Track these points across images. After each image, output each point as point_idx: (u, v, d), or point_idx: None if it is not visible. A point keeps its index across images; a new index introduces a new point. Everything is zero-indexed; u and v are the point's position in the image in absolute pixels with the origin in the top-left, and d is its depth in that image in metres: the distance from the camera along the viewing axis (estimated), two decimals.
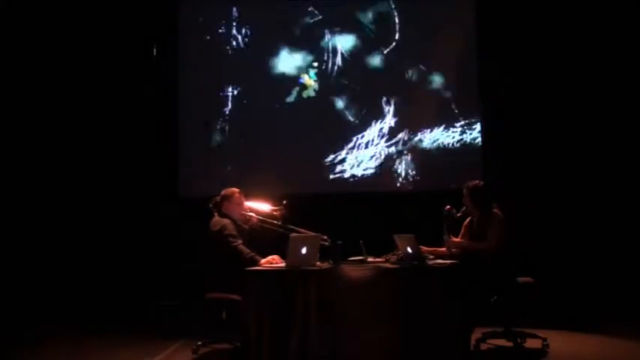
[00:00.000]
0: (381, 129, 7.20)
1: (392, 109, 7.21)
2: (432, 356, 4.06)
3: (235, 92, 7.38)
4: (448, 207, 4.84)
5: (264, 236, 5.10)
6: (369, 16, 7.28)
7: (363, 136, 7.22)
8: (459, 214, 4.90)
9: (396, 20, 7.23)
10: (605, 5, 6.74)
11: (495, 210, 4.86)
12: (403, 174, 7.15)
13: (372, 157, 7.20)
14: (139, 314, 6.67)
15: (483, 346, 4.87)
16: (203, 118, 7.39)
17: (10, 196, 7.04)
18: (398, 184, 7.15)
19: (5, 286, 6.70)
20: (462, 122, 7.09)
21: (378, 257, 4.57)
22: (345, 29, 7.31)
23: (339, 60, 7.32)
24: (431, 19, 7.22)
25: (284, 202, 5.12)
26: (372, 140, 7.21)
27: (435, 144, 7.11)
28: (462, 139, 7.07)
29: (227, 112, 7.38)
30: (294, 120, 7.31)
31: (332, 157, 7.25)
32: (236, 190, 5.13)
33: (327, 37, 7.33)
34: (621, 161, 6.70)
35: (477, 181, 5.01)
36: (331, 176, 7.23)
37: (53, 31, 7.21)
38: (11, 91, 7.14)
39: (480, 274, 4.68)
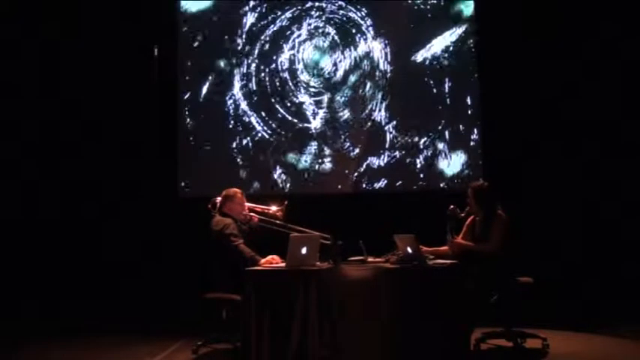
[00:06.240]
0: (381, 129, 7.21)
1: (391, 109, 7.21)
2: (432, 356, 4.06)
3: (236, 92, 7.38)
4: (452, 207, 4.83)
5: (264, 236, 5.10)
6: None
7: (362, 136, 7.23)
8: (462, 214, 4.90)
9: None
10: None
11: (499, 211, 4.86)
12: (404, 174, 7.16)
13: (372, 156, 7.21)
14: (140, 314, 6.66)
15: (483, 346, 4.87)
16: (203, 118, 7.39)
17: (11, 194, 7.03)
18: (398, 184, 7.14)
19: (6, 286, 6.70)
20: (462, 121, 7.09)
21: (378, 257, 4.57)
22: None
23: (339, 61, 7.33)
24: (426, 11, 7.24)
25: (284, 202, 5.14)
26: (373, 140, 7.22)
27: (435, 143, 7.12)
28: (462, 138, 7.07)
29: (228, 112, 7.37)
30: (295, 120, 7.31)
31: (333, 155, 7.27)
32: (238, 190, 5.15)
33: (330, 39, 7.33)
34: (621, 161, 6.69)
35: (482, 182, 5.01)
36: (331, 176, 7.23)
37: (54, 31, 7.21)
38: (10, 91, 7.13)
39: (480, 274, 4.68)
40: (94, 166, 7.25)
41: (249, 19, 7.41)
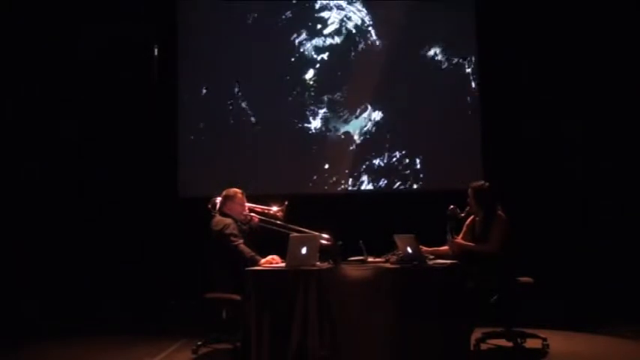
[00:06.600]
0: (381, 128, 7.21)
1: (391, 108, 7.22)
2: (432, 356, 4.06)
3: (236, 92, 7.37)
4: (452, 207, 4.83)
5: (265, 236, 5.11)
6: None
7: (362, 135, 7.23)
8: (462, 214, 4.90)
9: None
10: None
11: (499, 212, 4.86)
12: (403, 174, 7.16)
13: (372, 156, 7.21)
14: (139, 314, 6.67)
15: (483, 346, 4.87)
16: (203, 118, 7.39)
17: (11, 194, 7.03)
18: (398, 184, 7.14)
19: (7, 286, 6.69)
20: (462, 121, 7.09)
21: (378, 257, 4.57)
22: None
23: (339, 61, 7.33)
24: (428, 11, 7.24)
25: (285, 202, 5.15)
26: (373, 139, 7.22)
27: (435, 143, 7.11)
28: (462, 137, 7.06)
29: (228, 112, 7.37)
30: (295, 120, 7.31)
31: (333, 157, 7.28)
32: (238, 190, 5.15)
33: (330, 39, 7.34)
34: (621, 161, 6.70)
35: (482, 182, 5.01)
36: (331, 176, 7.23)
37: (54, 31, 7.21)
38: (10, 91, 7.13)
39: (480, 274, 4.69)
40: (94, 166, 7.25)
41: (250, 18, 7.41)
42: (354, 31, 7.32)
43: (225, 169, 7.16)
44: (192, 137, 7.39)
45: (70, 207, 7.17)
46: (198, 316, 5.48)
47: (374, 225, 5.76)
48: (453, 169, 6.96)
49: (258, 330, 4.19)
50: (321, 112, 7.30)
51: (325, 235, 4.64)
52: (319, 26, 7.36)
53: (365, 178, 7.20)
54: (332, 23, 7.35)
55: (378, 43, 7.26)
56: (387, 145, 7.18)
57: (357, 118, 7.25)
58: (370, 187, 7.19)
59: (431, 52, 7.18)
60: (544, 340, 4.86)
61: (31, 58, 7.19)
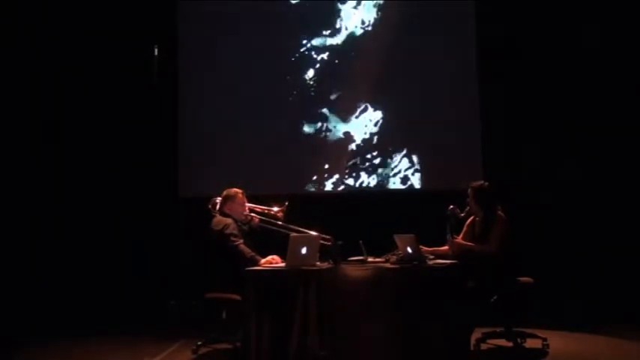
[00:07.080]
0: (380, 128, 7.21)
1: (390, 108, 7.21)
2: (432, 356, 4.06)
3: (236, 92, 7.37)
4: (452, 207, 4.83)
5: (265, 236, 5.11)
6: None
7: (362, 135, 7.23)
8: (462, 214, 4.90)
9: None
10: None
11: (499, 212, 4.86)
12: (403, 174, 7.16)
13: (372, 156, 7.21)
14: (139, 314, 6.67)
15: (483, 346, 4.88)
16: (203, 118, 7.39)
17: (13, 195, 7.03)
18: (398, 184, 7.14)
19: (7, 286, 6.69)
20: (462, 120, 7.08)
21: (378, 257, 4.58)
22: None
23: (339, 60, 7.33)
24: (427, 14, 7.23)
25: (285, 202, 5.15)
26: (372, 139, 7.22)
27: (435, 143, 7.11)
28: (462, 137, 7.05)
29: (228, 112, 7.37)
30: (295, 120, 7.31)
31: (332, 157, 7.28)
32: (239, 190, 5.16)
33: (329, 38, 7.34)
34: (621, 161, 6.69)
35: (482, 182, 5.02)
36: (331, 176, 7.23)
37: (54, 31, 7.21)
38: (10, 91, 7.13)
39: (480, 274, 4.69)
40: (94, 166, 7.25)
41: (250, 18, 7.40)
42: (354, 31, 7.32)
43: (225, 169, 7.16)
44: (192, 137, 7.38)
45: (71, 207, 7.16)
46: (198, 316, 5.49)
47: (374, 225, 5.76)
48: (453, 169, 6.95)
49: (258, 330, 4.19)
50: (321, 112, 7.30)
51: (325, 235, 4.64)
52: (319, 26, 7.36)
53: (365, 178, 7.20)
54: (332, 23, 7.35)
55: (378, 42, 7.24)
56: (387, 145, 7.18)
57: (357, 118, 7.25)
58: (370, 187, 7.18)
59: (431, 52, 7.16)
60: (544, 340, 4.86)
61: (30, 57, 7.18)
